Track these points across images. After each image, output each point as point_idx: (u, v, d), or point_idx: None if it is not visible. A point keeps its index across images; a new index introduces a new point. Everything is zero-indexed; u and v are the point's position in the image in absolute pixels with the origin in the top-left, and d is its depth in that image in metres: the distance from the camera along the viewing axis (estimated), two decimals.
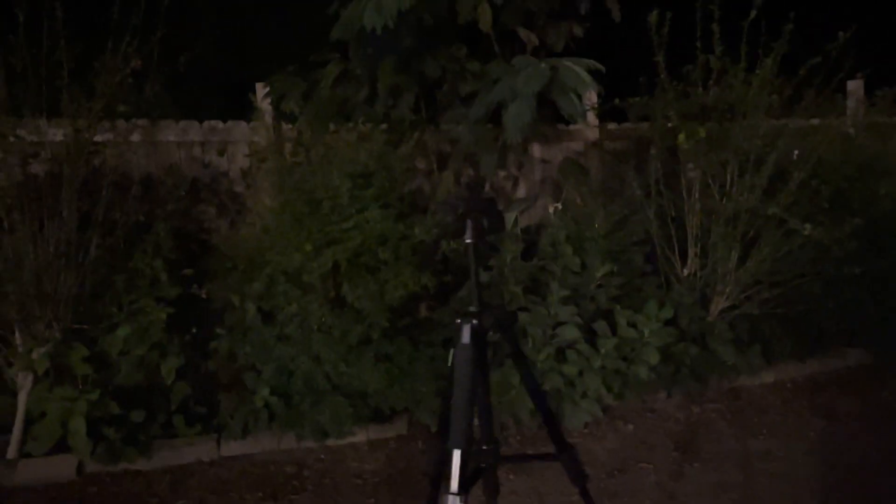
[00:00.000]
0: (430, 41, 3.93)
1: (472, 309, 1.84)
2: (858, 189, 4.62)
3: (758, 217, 4.15)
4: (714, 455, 3.53)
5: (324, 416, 3.50)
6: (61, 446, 3.37)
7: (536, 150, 5.25)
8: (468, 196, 1.74)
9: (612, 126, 5.32)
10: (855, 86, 5.59)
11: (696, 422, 3.94)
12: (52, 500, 3.17)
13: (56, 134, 3.33)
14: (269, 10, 6.39)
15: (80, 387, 3.42)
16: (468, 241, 1.77)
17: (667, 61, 4.22)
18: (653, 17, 4.01)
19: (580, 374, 3.82)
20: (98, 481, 3.33)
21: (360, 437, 3.68)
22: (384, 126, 4.28)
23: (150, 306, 3.53)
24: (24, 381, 3.41)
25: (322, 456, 3.58)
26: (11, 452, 3.40)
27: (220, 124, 4.70)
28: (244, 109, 4.11)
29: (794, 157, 4.25)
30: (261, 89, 4.47)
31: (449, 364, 1.75)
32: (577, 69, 3.45)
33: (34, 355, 3.37)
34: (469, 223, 1.76)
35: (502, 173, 5.02)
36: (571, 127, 5.09)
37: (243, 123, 4.60)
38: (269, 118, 4.53)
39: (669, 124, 4.21)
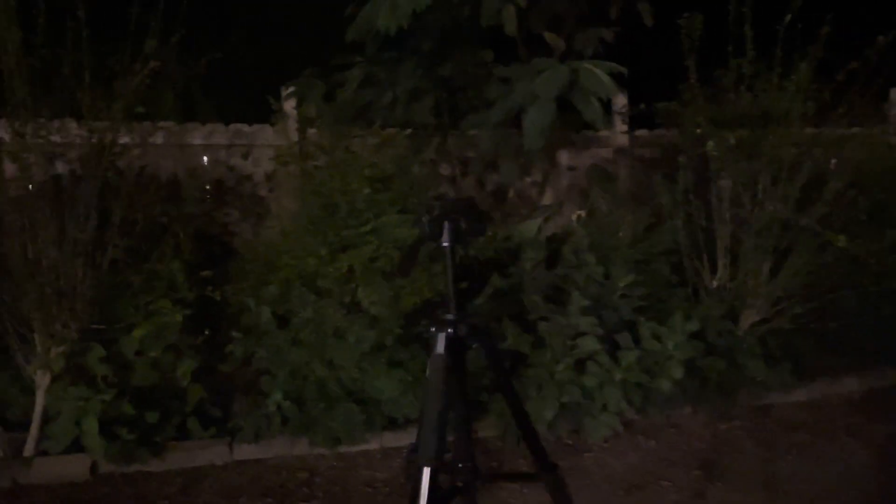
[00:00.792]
0: (451, 44, 3.87)
1: (448, 317, 1.76)
2: None
3: (791, 228, 4.01)
4: (738, 475, 3.39)
5: (336, 423, 3.46)
6: (78, 446, 3.40)
7: (564, 156, 5.17)
8: (446, 197, 1.67)
9: (641, 132, 5.20)
10: None
11: (722, 439, 3.79)
12: (64, 500, 3.18)
13: (76, 135, 3.36)
14: (300, 14, 6.41)
15: (97, 387, 3.43)
16: (444, 244, 1.70)
17: (698, 66, 4.11)
18: (683, 20, 3.90)
19: (600, 386, 3.71)
20: (111, 482, 3.34)
21: (373, 444, 3.62)
22: (408, 131, 4.26)
23: (166, 308, 3.54)
24: (42, 380, 3.44)
25: (334, 463, 3.53)
26: (28, 450, 3.43)
27: (246, 128, 4.73)
28: (273, 113, 4.11)
29: (832, 166, 4.09)
30: (285, 92, 4.47)
31: (427, 374, 1.68)
32: (597, 72, 3.35)
33: (51, 354, 3.40)
34: (446, 225, 1.69)
35: (528, 179, 4.94)
36: (601, 133, 5.00)
37: (268, 127, 4.61)
38: (293, 122, 4.54)
39: (698, 131, 4.08)
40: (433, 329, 1.73)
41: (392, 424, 3.64)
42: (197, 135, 4.61)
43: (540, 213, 4.48)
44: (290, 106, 4.55)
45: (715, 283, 4.30)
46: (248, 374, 3.72)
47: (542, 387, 3.68)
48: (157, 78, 3.60)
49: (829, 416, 4.08)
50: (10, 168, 3.32)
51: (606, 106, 4.61)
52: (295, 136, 4.40)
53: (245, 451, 3.55)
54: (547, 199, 5.11)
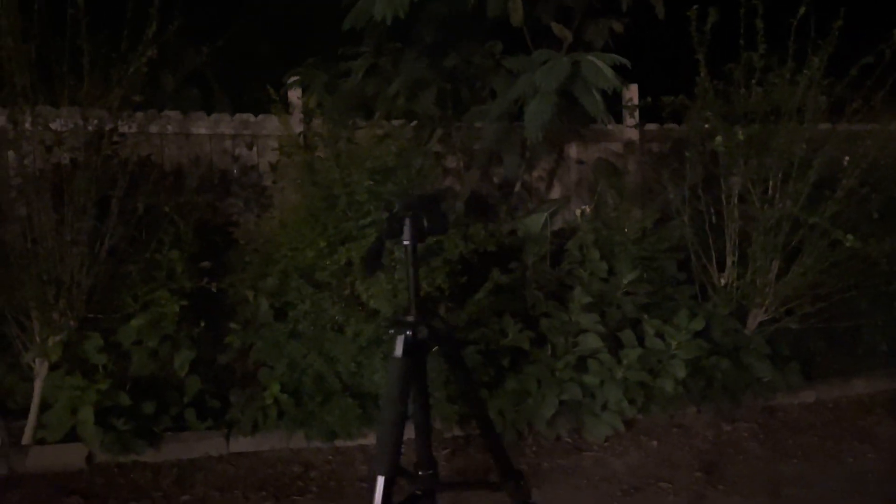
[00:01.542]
0: (456, 35, 3.81)
1: (408, 318, 1.69)
2: None
3: (801, 226, 3.92)
4: (741, 478, 3.33)
5: (332, 417, 3.43)
6: (76, 435, 3.39)
7: (572, 150, 5.09)
8: (408, 193, 1.60)
9: (651, 126, 5.11)
10: None
11: (726, 441, 3.73)
12: (59, 489, 3.17)
13: (73, 123, 3.33)
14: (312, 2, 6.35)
15: (94, 376, 3.42)
16: (406, 242, 1.63)
17: (709, 59, 4.02)
18: (692, 12, 3.82)
19: (601, 384, 3.65)
20: (106, 471, 3.33)
21: (370, 439, 3.58)
22: (414, 123, 4.20)
23: (164, 298, 3.52)
24: (40, 368, 3.44)
25: (330, 457, 3.50)
26: (26, 438, 3.43)
27: (252, 118, 4.69)
28: (273, 103, 4.07)
29: (845, 163, 3.99)
30: (287, 82, 4.43)
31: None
32: (600, 64, 3.27)
33: (49, 343, 3.39)
34: (407, 223, 1.62)
35: (535, 173, 4.87)
36: (610, 127, 4.91)
37: (274, 117, 4.58)
38: (298, 112, 4.50)
39: (706, 126, 4.00)
40: (391, 331, 1.66)
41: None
42: (202, 124, 4.58)
43: (546, 208, 4.42)
44: (295, 96, 4.51)
45: (722, 282, 4.23)
46: (246, 366, 3.70)
47: (541, 384, 3.63)
48: (163, 66, 3.59)
49: (837, 418, 4.00)
50: (9, 156, 3.31)
51: (616, 99, 4.55)
52: (299, 127, 4.35)
53: (241, 444, 3.53)
54: (554, 193, 5.05)
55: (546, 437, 3.67)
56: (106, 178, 3.43)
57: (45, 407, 3.43)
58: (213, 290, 3.61)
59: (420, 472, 1.78)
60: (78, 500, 3.09)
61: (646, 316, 3.89)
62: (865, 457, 3.55)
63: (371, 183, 3.55)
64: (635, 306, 3.93)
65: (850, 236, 3.56)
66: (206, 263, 3.66)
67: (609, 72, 3.26)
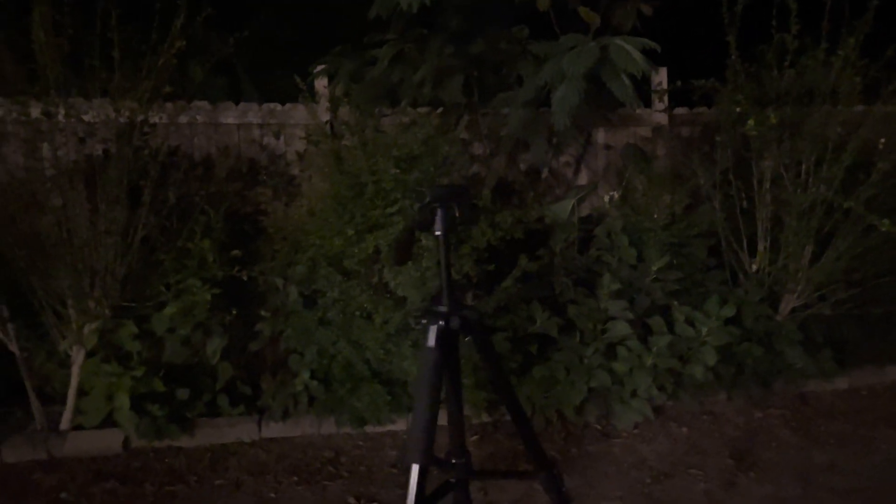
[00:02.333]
0: (480, 21, 3.78)
1: (441, 309, 1.68)
2: None
3: (835, 211, 3.85)
4: (772, 465, 3.30)
5: (362, 403, 3.47)
6: (112, 421, 3.47)
7: (601, 135, 5.03)
8: (434, 181, 1.59)
9: (681, 111, 5.03)
10: None
11: (757, 428, 3.69)
12: (96, 473, 3.25)
13: (105, 114, 3.38)
14: None
15: (129, 363, 3.49)
16: (437, 233, 1.63)
17: (740, 41, 3.95)
18: None
19: (630, 371, 3.64)
20: (142, 456, 3.41)
21: (399, 425, 3.62)
22: (440, 110, 4.19)
23: (196, 286, 3.57)
24: (77, 356, 3.52)
25: (360, 443, 3.54)
26: (64, 424, 3.52)
27: (279, 107, 4.71)
28: (308, 92, 4.08)
29: (880, 146, 3.90)
30: (314, 71, 4.44)
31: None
32: (628, 48, 3.22)
33: (85, 331, 3.46)
34: (439, 213, 1.62)
35: (563, 159, 4.83)
36: (639, 111, 4.85)
37: (301, 106, 4.59)
38: (325, 101, 4.50)
39: (738, 109, 3.93)
40: (424, 321, 1.65)
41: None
42: (230, 114, 4.61)
43: (574, 194, 4.39)
44: (322, 85, 4.52)
45: (754, 267, 4.17)
46: (277, 352, 3.75)
47: (570, 371, 3.63)
48: (191, 56, 3.61)
49: (871, 406, 3.94)
50: (43, 148, 3.36)
51: (645, 83, 4.48)
52: (326, 116, 4.37)
53: (273, 430, 3.59)
54: (582, 178, 5.01)
55: (575, 424, 3.67)
56: (137, 168, 3.48)
57: (81, 393, 3.52)
58: (244, 278, 3.64)
59: (453, 461, 1.79)
60: (115, 484, 3.17)
61: (675, 302, 3.86)
62: None
63: (397, 171, 3.55)
64: (665, 293, 3.90)
65: (885, 221, 3.48)
66: (236, 252, 3.70)
67: (638, 56, 3.21)
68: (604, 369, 3.63)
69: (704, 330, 3.71)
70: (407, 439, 1.58)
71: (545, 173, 4.67)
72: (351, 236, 3.48)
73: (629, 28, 4.30)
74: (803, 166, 3.94)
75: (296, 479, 3.23)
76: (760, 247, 4.13)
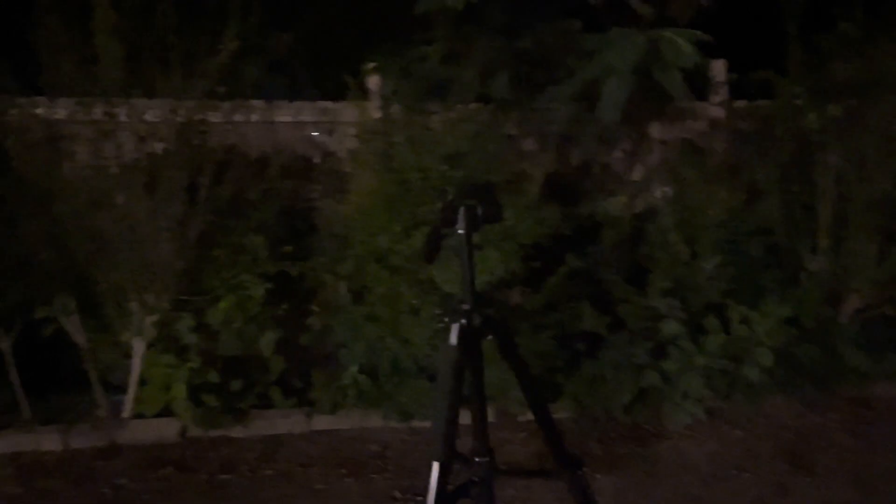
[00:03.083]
0: (528, 16, 3.76)
1: (463, 307, 1.68)
2: None
3: None
4: (828, 470, 3.18)
5: (407, 398, 3.50)
6: (170, 410, 3.60)
7: (654, 129, 4.93)
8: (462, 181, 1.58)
9: (740, 104, 4.88)
10: None
11: (814, 432, 3.57)
12: (153, 459, 3.38)
13: (162, 115, 3.50)
14: None
15: (186, 355, 3.61)
16: (460, 231, 1.62)
17: (801, 31, 3.81)
18: None
19: (681, 371, 3.56)
20: (197, 444, 3.52)
21: None
22: (489, 106, 4.18)
23: (249, 281, 3.66)
24: (138, 347, 3.66)
25: (406, 437, 3.58)
26: (126, 412, 3.67)
27: (331, 105, 4.78)
28: (348, 90, 4.14)
29: None
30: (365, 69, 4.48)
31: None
32: (679, 41, 3.15)
33: (145, 323, 3.60)
34: (461, 212, 1.61)
35: (614, 154, 4.75)
36: (695, 105, 4.73)
37: (352, 104, 4.64)
38: (375, 99, 4.54)
39: (798, 102, 3.80)
40: (446, 319, 1.65)
41: (465, 402, 3.63)
42: (284, 112, 4.70)
43: (625, 190, 4.32)
44: (372, 82, 4.56)
45: (815, 266, 4.02)
46: (326, 346, 3.81)
47: (618, 370, 3.57)
48: (247, 55, 3.71)
49: None
50: (106, 147, 3.50)
51: (702, 76, 4.37)
52: (376, 113, 4.41)
53: (322, 422, 3.65)
54: (634, 174, 4.92)
55: (623, 424, 3.62)
56: (194, 166, 3.59)
57: (142, 383, 3.66)
58: (294, 274, 3.72)
59: (476, 459, 1.79)
60: (172, 471, 3.29)
61: (731, 301, 3.76)
62: None
63: (445, 168, 3.56)
64: (719, 291, 3.80)
65: None
66: (288, 248, 3.79)
67: (689, 48, 3.13)
68: (653, 369, 3.56)
69: (761, 330, 3.60)
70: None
71: (595, 169, 4.61)
72: (398, 233, 3.52)
73: (686, 20, 4.20)
74: (868, 160, 3.78)
75: (344, 471, 3.29)
76: (822, 244, 3.99)
